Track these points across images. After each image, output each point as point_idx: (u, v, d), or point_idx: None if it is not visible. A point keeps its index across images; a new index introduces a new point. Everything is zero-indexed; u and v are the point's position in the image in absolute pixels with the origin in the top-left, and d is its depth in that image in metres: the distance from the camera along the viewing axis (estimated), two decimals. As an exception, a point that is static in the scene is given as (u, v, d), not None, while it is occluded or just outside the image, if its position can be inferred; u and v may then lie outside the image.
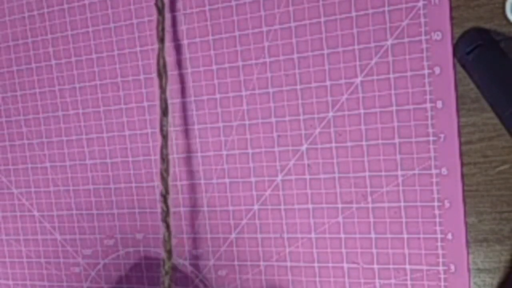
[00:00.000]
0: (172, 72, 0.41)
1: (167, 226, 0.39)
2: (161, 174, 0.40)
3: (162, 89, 0.39)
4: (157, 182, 0.42)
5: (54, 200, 0.46)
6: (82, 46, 0.43)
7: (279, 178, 0.39)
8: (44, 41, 0.45)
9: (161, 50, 0.39)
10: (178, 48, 0.41)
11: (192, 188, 0.42)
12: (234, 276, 0.41)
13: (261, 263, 0.40)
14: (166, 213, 0.39)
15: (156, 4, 0.39)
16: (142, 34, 0.41)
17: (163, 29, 0.39)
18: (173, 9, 0.41)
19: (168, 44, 0.41)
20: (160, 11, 0.39)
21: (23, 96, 0.46)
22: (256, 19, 0.38)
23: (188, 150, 0.41)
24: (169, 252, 0.39)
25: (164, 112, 0.39)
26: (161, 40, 0.39)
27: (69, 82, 0.44)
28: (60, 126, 0.45)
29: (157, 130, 0.42)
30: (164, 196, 0.39)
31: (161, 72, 0.39)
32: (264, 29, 0.38)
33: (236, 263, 0.41)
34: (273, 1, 0.38)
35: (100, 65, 0.43)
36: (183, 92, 0.41)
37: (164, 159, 0.39)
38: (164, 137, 0.39)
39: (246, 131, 0.40)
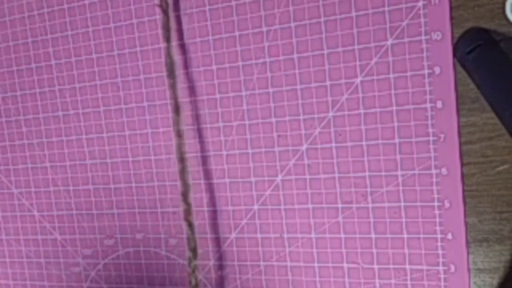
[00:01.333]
0: (172, 72, 0.41)
1: (190, 225, 0.39)
2: (180, 174, 0.39)
3: (173, 89, 0.39)
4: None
5: (54, 200, 0.46)
6: (82, 46, 0.43)
7: (279, 178, 0.39)
8: (44, 41, 0.45)
9: (169, 49, 0.39)
10: (178, 48, 0.41)
11: (192, 188, 0.42)
12: (234, 276, 0.41)
13: (261, 263, 0.40)
14: (188, 212, 0.39)
15: (160, 5, 0.39)
16: (142, 34, 0.41)
17: (168, 29, 0.39)
18: (173, 9, 0.41)
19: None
20: (165, 11, 0.39)
21: (23, 96, 0.46)
22: (256, 19, 0.38)
23: (189, 150, 0.41)
24: (194, 251, 0.39)
25: (177, 111, 0.39)
26: (168, 39, 0.39)
27: (69, 82, 0.44)
28: (60, 126, 0.45)
29: (162, 130, 0.42)
30: (185, 195, 0.39)
31: (171, 72, 0.39)
32: (264, 29, 0.38)
33: (236, 263, 0.41)
34: (273, 1, 0.38)
35: (100, 65, 0.43)
36: (183, 92, 0.41)
37: (182, 158, 0.39)
38: (180, 136, 0.39)
39: (246, 131, 0.40)
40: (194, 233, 0.39)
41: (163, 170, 0.42)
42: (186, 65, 0.41)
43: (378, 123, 0.36)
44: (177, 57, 0.41)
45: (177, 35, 0.41)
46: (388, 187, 0.36)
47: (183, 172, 0.39)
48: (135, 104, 0.42)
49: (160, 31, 0.41)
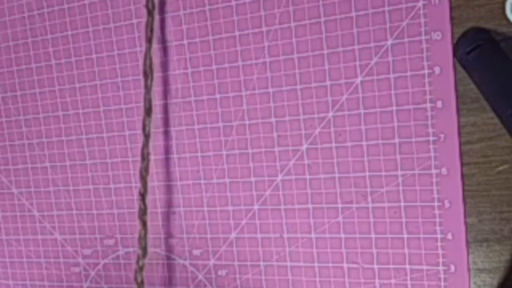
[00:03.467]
0: (172, 72, 0.41)
1: (144, 224, 0.40)
2: (141, 173, 0.40)
3: (147, 89, 0.40)
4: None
5: (54, 200, 0.46)
6: (82, 46, 0.43)
7: (279, 178, 0.39)
8: (44, 41, 0.45)
9: (148, 50, 0.39)
10: (179, 48, 0.41)
11: (192, 188, 0.42)
12: (234, 276, 0.41)
13: (261, 263, 0.40)
14: (143, 211, 0.40)
15: (146, 5, 0.39)
16: (142, 34, 0.41)
17: (151, 30, 0.39)
18: (173, 9, 0.41)
19: (168, 44, 0.41)
20: (150, 12, 0.39)
21: (23, 96, 0.46)
22: (256, 19, 0.38)
23: (188, 150, 0.41)
24: (144, 249, 0.40)
25: (148, 112, 0.40)
26: (149, 40, 0.39)
27: (69, 82, 0.44)
28: (60, 126, 0.45)
29: (162, 130, 0.42)
30: (142, 195, 0.40)
31: (147, 72, 0.40)
32: (264, 29, 0.38)
33: (236, 263, 0.41)
34: (273, 1, 0.38)
35: (100, 65, 0.43)
36: (183, 92, 0.41)
37: (145, 158, 0.40)
38: (146, 136, 0.40)
39: (246, 131, 0.40)
40: (146, 233, 0.41)
41: (163, 170, 0.42)
42: (186, 65, 0.41)
43: (378, 123, 0.36)
44: (177, 57, 0.41)
45: (177, 35, 0.41)
46: (388, 187, 0.36)
47: (143, 171, 0.40)
48: (135, 104, 0.42)
49: (160, 31, 0.41)
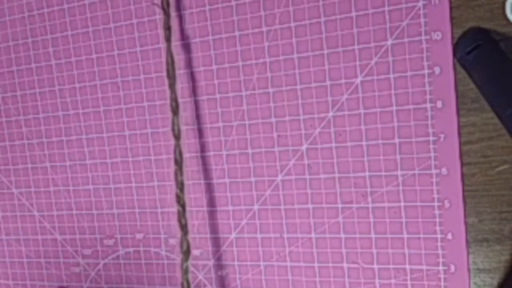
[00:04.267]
0: (172, 72, 0.41)
1: (183, 226, 0.39)
2: (175, 175, 0.39)
3: (172, 88, 0.39)
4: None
5: (54, 200, 0.46)
6: (82, 46, 0.43)
7: (279, 178, 0.39)
8: (44, 41, 0.45)
9: (168, 49, 0.39)
10: (178, 48, 0.41)
11: (192, 188, 0.42)
12: (234, 276, 0.41)
13: (261, 263, 0.40)
14: (181, 213, 0.39)
15: (162, 3, 0.39)
16: (142, 34, 0.41)
17: (169, 28, 0.39)
18: (173, 9, 0.41)
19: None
20: (166, 10, 0.39)
21: (23, 96, 0.46)
22: (256, 19, 0.38)
23: (189, 150, 0.41)
24: (186, 253, 0.39)
25: (175, 111, 0.39)
26: (168, 39, 0.39)
27: (69, 82, 0.44)
28: (60, 126, 0.45)
29: (162, 130, 0.42)
30: (179, 196, 0.39)
31: (170, 71, 0.39)
32: (264, 29, 0.38)
33: (236, 263, 0.41)
34: (273, 1, 0.38)
35: (100, 65, 0.43)
36: (183, 92, 0.41)
37: (178, 159, 0.39)
38: (177, 136, 0.39)
39: (246, 131, 0.40)
40: (187, 234, 0.39)
41: (163, 170, 0.42)
42: (186, 65, 0.41)
43: (378, 123, 0.36)
44: (177, 57, 0.41)
45: (177, 35, 0.41)
46: (388, 187, 0.36)
47: (178, 173, 0.39)
48: (135, 104, 0.42)
49: (160, 31, 0.41)
